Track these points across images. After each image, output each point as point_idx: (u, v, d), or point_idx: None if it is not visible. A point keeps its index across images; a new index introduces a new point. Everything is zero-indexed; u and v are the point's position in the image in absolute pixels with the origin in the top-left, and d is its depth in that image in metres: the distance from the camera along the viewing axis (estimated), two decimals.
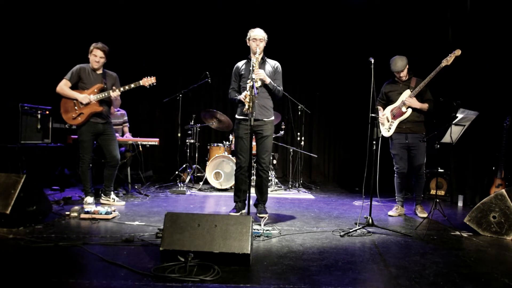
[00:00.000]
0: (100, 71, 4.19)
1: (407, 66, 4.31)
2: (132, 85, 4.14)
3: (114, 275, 2.31)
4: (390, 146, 4.49)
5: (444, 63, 3.98)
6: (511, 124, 4.87)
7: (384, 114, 4.45)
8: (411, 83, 4.31)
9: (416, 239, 3.44)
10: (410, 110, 4.28)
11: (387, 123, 4.43)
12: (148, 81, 4.18)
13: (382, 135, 4.44)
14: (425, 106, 4.26)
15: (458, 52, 3.94)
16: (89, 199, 4.18)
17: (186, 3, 7.01)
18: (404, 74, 4.33)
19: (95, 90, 4.08)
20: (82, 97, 4.02)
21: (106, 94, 4.08)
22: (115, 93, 4.07)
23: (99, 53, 4.08)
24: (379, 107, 4.52)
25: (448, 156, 5.67)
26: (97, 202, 4.34)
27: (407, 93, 4.30)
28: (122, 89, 4.12)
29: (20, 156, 4.60)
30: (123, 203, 4.29)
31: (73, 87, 4.09)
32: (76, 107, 4.05)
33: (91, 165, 4.25)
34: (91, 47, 4.10)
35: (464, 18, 5.44)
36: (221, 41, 7.28)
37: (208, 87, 7.58)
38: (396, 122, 4.36)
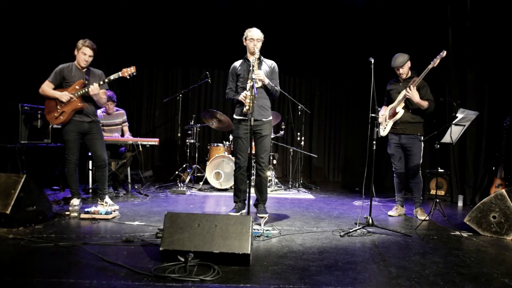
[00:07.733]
0: (84, 69, 4.06)
1: (408, 64, 4.24)
2: (111, 77, 4.00)
3: (114, 275, 2.31)
4: (388, 147, 4.48)
5: (431, 65, 3.94)
6: (511, 124, 4.87)
7: (384, 115, 4.42)
8: (411, 83, 4.22)
9: (416, 239, 3.45)
10: (402, 111, 4.21)
11: (384, 123, 4.41)
12: (127, 71, 4.02)
13: (381, 135, 4.42)
14: (424, 103, 4.14)
15: (443, 53, 3.91)
16: (75, 201, 4.02)
17: (186, 3, 7.01)
18: (403, 72, 4.25)
19: (76, 87, 3.97)
20: (61, 94, 3.91)
21: (86, 90, 3.95)
22: (92, 87, 3.91)
23: (89, 52, 3.96)
24: (384, 107, 4.50)
25: (448, 156, 5.67)
26: (95, 203, 4.30)
27: (403, 93, 4.21)
28: (101, 82, 3.99)
29: (20, 156, 4.59)
30: (117, 207, 4.20)
31: (58, 88, 3.99)
32: (58, 106, 3.95)
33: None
34: (79, 45, 3.95)
35: (464, 18, 5.44)
36: (222, 41, 7.27)
37: (208, 87, 7.60)
38: (391, 122, 4.32)
